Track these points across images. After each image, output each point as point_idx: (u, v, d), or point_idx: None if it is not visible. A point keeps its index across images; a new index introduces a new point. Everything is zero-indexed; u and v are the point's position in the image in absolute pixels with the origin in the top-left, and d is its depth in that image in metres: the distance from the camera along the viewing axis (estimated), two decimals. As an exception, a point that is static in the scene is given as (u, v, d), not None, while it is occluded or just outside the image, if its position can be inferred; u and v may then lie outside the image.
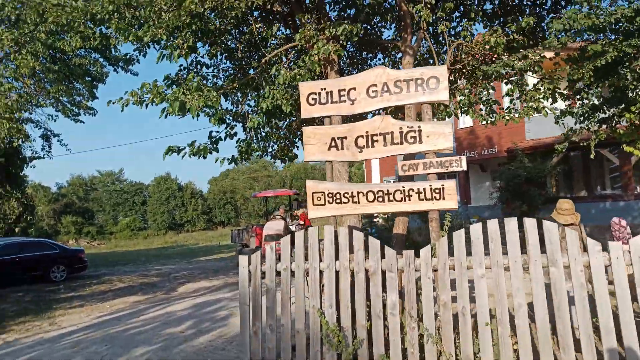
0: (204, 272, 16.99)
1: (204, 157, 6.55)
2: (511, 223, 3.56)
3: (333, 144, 4.16)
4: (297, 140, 8.85)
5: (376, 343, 3.76)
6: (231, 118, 7.29)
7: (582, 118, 9.22)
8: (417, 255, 3.79)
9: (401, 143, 3.96)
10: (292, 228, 14.67)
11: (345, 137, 4.14)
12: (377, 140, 4.03)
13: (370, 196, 4.05)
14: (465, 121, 19.27)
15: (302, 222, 14.99)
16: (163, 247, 40.20)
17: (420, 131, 3.91)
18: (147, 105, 5.82)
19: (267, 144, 8.23)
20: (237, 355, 5.95)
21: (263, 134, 7.75)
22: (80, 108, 13.36)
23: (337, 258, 3.98)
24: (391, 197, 3.95)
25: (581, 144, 9.78)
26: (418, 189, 3.88)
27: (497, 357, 3.49)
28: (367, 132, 4.07)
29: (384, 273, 3.84)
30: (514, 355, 3.44)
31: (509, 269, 3.52)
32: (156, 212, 59.63)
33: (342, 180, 4.68)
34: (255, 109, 6.76)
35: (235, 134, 6.91)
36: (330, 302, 3.92)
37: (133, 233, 56.42)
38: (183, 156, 6.47)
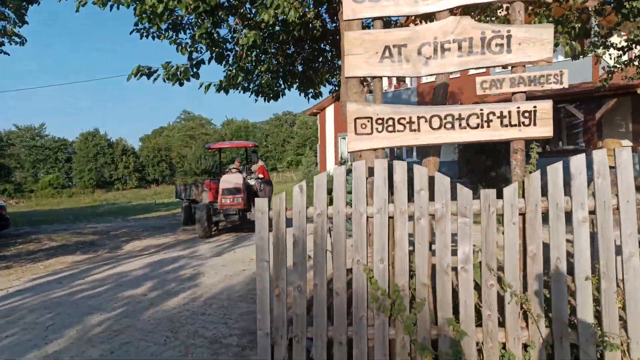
0: (147, 230, 15.53)
1: (181, 84, 5.30)
2: (623, 153, 2.83)
3: (387, 54, 3.18)
4: (288, 75, 7.54)
5: (442, 305, 2.96)
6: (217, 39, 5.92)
7: None
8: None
9: (482, 52, 3.06)
10: (251, 182, 13.56)
11: (405, 45, 3.16)
12: (449, 49, 3.09)
13: (436, 122, 3.15)
14: (429, 77, 18.78)
15: (260, 176, 13.89)
16: (92, 206, 37.37)
17: (509, 37, 3.02)
18: (112, 6, 4.44)
19: (252, 76, 6.95)
20: (225, 321, 4.99)
21: (253, 60, 6.45)
22: (4, 35, 11.02)
23: (391, 200, 3.08)
24: (463, 123, 3.08)
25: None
26: (501, 113, 3.03)
27: (598, 317, 2.83)
28: (435, 38, 3.12)
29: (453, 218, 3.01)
30: (621, 314, 2.78)
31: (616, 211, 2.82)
32: (83, 169, 55.39)
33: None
34: (251, 23, 5.54)
35: (224, 56, 5.67)
36: (380, 255, 3.04)
37: (56, 191, 52.09)
38: (155, 79, 5.18)
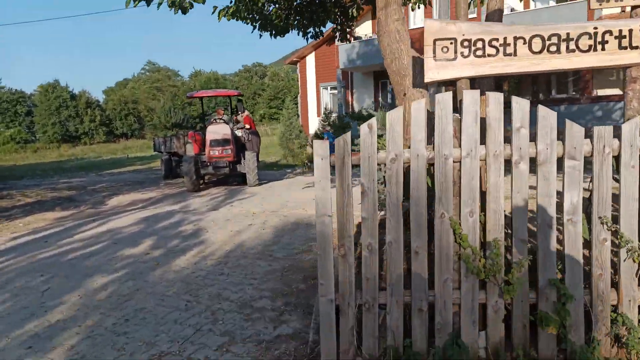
0: (127, 185, 14.72)
1: (184, 11, 4.49)
2: None
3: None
4: (295, 7, 6.59)
5: (544, 264, 2.53)
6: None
7: None
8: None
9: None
10: (238, 133, 12.81)
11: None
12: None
13: (537, 44, 2.59)
14: (416, 21, 17.96)
15: (247, 127, 13.13)
16: (60, 161, 35.67)
17: None
18: None
19: (257, 5, 6.02)
20: (249, 281, 4.50)
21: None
22: None
23: (482, 142, 2.56)
24: (572, 45, 2.54)
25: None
26: (620, 32, 2.50)
27: None
28: None
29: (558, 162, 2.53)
30: None
31: None
32: (45, 123, 52.51)
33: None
34: None
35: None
36: (470, 207, 2.56)
37: (19, 146, 49.43)
38: (159, 5, 4.36)
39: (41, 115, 52.91)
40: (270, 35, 6.87)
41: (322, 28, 7.91)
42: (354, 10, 6.72)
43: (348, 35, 7.84)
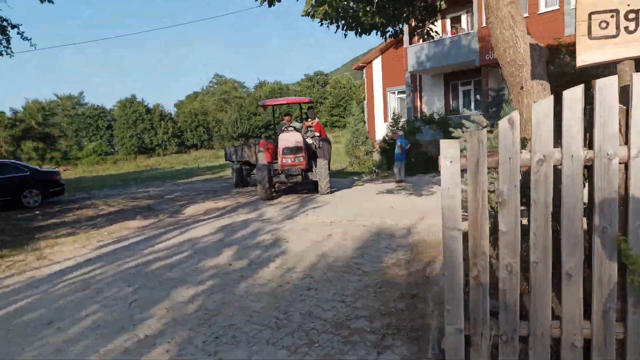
0: (200, 194, 15.02)
1: (270, 3, 4.28)
2: None
3: None
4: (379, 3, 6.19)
5: None
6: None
7: None
8: None
9: None
10: (309, 141, 12.63)
11: None
12: None
13: None
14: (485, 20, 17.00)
15: (317, 134, 12.92)
16: (136, 171, 37.69)
17: None
18: None
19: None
20: (341, 298, 4.15)
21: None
22: None
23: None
24: None
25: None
26: None
27: None
28: None
29: None
30: None
31: None
32: (124, 136, 55.96)
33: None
34: None
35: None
36: (642, 218, 2.02)
37: (100, 158, 53.05)
38: None
39: (120, 128, 56.46)
40: (356, 33, 6.52)
41: (401, 26, 7.49)
42: (442, 2, 6.25)
43: (430, 32, 7.36)
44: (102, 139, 58.10)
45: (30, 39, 12.67)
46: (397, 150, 14.23)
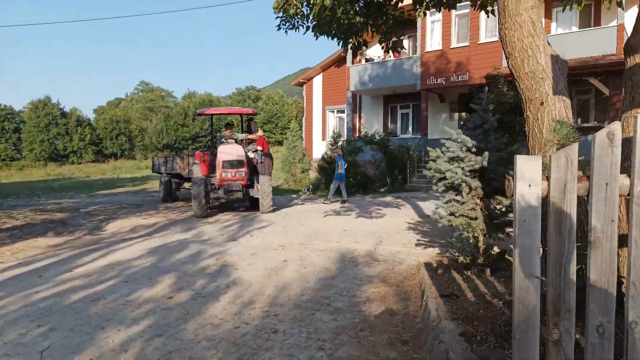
0: (123, 208, 13.56)
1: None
2: None
3: None
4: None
5: None
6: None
7: None
8: None
9: None
10: (250, 155, 11.83)
11: None
12: None
13: None
14: (433, 44, 17.37)
15: (260, 148, 12.16)
16: (47, 180, 34.30)
17: None
18: None
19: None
20: (318, 344, 3.44)
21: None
22: None
23: None
24: None
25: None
26: None
27: None
28: None
29: None
30: None
31: None
32: (33, 140, 51.15)
33: None
34: None
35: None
36: None
37: (4, 163, 47.98)
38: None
39: (29, 132, 51.56)
40: (328, 35, 5.90)
41: (360, 37, 7.03)
42: (421, 12, 5.88)
43: (400, 45, 6.99)
44: (7, 143, 52.60)
45: None
46: (337, 170, 13.93)
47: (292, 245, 7.04)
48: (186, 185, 16.29)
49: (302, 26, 6.92)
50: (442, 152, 4.74)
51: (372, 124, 20.75)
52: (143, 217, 11.17)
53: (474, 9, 6.22)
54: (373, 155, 17.75)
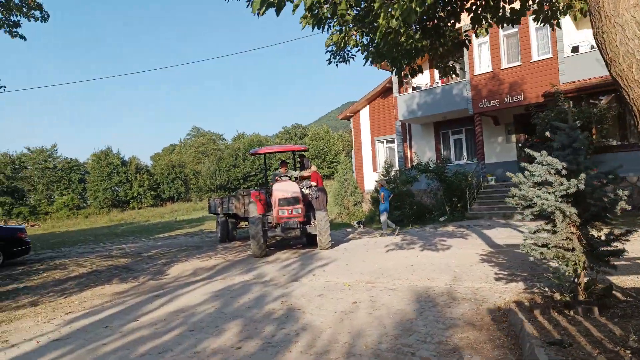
0: (182, 250, 13.69)
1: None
2: None
3: None
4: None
5: None
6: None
7: None
8: None
9: None
10: (305, 191, 11.66)
11: None
12: None
13: None
14: (482, 67, 16.84)
15: (314, 184, 11.98)
16: (110, 226, 35.81)
17: None
18: None
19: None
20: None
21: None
22: (21, 12, 8.98)
23: None
24: None
25: None
26: None
27: None
28: None
29: None
30: None
31: None
32: (97, 189, 53.95)
33: None
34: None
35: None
36: None
37: (71, 212, 50.71)
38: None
39: (93, 181, 54.52)
40: (390, 61, 5.72)
41: (415, 64, 6.76)
42: (482, 30, 5.55)
43: (454, 68, 6.66)
44: (74, 193, 55.85)
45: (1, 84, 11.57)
46: (380, 200, 13.64)
47: (359, 284, 6.64)
48: (242, 224, 16.34)
49: (354, 58, 6.78)
50: (526, 177, 4.28)
51: (424, 151, 20.22)
52: (203, 259, 11.16)
53: (537, 24, 5.82)
54: (429, 184, 17.13)
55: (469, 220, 14.76)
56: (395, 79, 19.54)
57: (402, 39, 4.70)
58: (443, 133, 20.32)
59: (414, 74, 6.77)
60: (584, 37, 15.62)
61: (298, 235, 10.83)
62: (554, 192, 3.93)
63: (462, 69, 7.01)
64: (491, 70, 16.49)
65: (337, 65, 6.89)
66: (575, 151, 4.07)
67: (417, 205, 17.33)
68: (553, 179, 4.04)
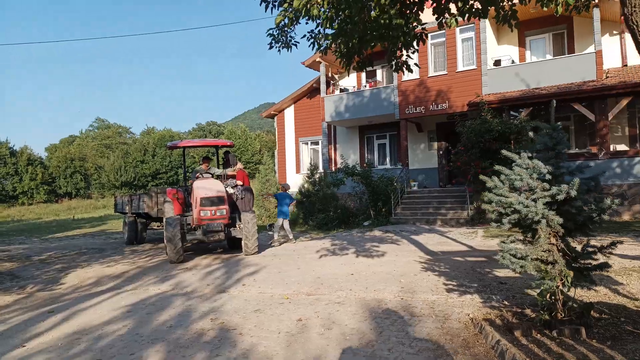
0: (82, 253, 12.02)
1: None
2: None
3: None
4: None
5: None
6: None
7: None
8: None
9: None
10: (230, 190, 10.69)
11: None
12: None
13: None
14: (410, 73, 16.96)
15: (240, 183, 11.05)
16: (-7, 223, 31.41)
17: None
18: None
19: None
20: None
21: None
22: None
23: None
24: None
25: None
26: None
27: None
28: None
29: None
30: None
31: None
32: (-22, 180, 47.59)
33: None
34: None
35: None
36: None
37: (-56, 205, 44.14)
38: None
39: (-26, 172, 48.04)
40: (346, 54, 5.10)
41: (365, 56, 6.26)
42: (452, 20, 5.05)
43: (409, 64, 6.19)
44: (-52, 184, 48.83)
45: None
46: (284, 208, 12.45)
47: (298, 296, 5.92)
48: (154, 225, 14.85)
49: (296, 45, 6.13)
50: (502, 181, 3.86)
51: (348, 155, 20.00)
52: (108, 264, 9.73)
53: (498, 23, 5.56)
54: (354, 188, 16.89)
55: (393, 225, 14.67)
56: (323, 79, 19.13)
57: (376, 13, 4.08)
58: (368, 137, 20.29)
59: (363, 66, 6.23)
60: (505, 51, 16.35)
61: (222, 239, 9.83)
62: (539, 199, 3.53)
63: (416, 64, 6.65)
64: (418, 77, 16.66)
65: (279, 50, 6.26)
66: (558, 154, 3.72)
67: (342, 208, 17.00)
68: (536, 185, 3.65)
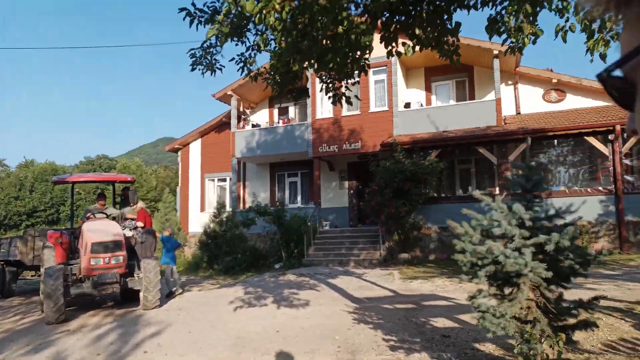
0: None
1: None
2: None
3: None
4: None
5: None
6: None
7: None
8: None
9: None
10: (128, 233, 9.24)
11: None
12: None
13: None
14: (323, 111, 16.79)
15: (140, 224, 9.63)
16: None
17: None
18: None
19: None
20: None
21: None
22: None
23: None
24: None
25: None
26: None
27: None
28: None
29: None
30: None
31: None
32: None
33: None
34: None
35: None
36: None
37: None
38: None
39: None
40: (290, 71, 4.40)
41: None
42: (410, 49, 4.58)
43: (345, 96, 5.67)
44: None
45: None
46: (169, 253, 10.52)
47: (218, 365, 4.85)
48: (28, 274, 12.53)
49: (221, 69, 5.41)
50: (474, 227, 3.36)
51: (258, 192, 19.09)
52: (-40, 329, 7.65)
53: (440, 58, 5.31)
54: (265, 228, 15.94)
55: (306, 267, 13.93)
56: (234, 113, 18.27)
57: (344, 27, 3.45)
58: (279, 175, 19.64)
59: (299, 96, 5.64)
60: (414, 95, 16.97)
61: (116, 292, 8.31)
62: (523, 248, 3.05)
63: (356, 96, 6.29)
64: (332, 116, 16.54)
65: (202, 73, 5.50)
66: (535, 197, 3.31)
67: (251, 250, 15.90)
68: (514, 232, 3.18)
